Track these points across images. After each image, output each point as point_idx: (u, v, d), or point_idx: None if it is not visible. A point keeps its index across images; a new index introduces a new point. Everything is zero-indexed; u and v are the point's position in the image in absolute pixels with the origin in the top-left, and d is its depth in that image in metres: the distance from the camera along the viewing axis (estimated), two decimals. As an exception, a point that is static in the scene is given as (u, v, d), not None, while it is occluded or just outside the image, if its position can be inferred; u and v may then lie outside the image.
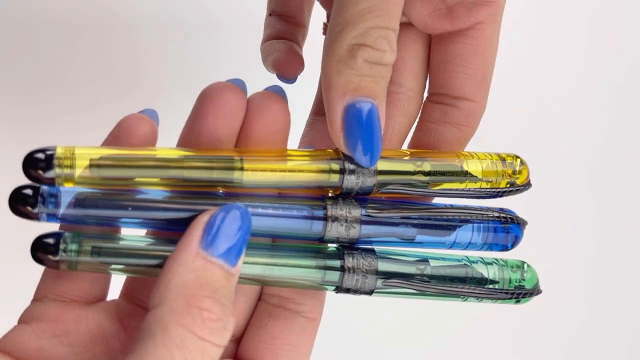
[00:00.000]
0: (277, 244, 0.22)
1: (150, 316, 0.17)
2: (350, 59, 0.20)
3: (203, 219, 0.19)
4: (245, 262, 0.21)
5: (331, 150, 0.22)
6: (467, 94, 0.24)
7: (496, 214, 0.22)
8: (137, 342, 0.17)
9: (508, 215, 0.22)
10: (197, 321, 0.17)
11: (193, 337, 0.17)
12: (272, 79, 0.27)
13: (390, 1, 0.20)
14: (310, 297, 0.23)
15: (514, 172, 0.23)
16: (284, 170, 0.21)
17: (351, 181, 0.21)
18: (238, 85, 0.22)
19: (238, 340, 0.23)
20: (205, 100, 0.21)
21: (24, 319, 0.21)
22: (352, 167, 0.21)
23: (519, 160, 0.23)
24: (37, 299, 0.22)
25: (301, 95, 0.28)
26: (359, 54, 0.20)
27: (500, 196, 0.23)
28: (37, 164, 0.19)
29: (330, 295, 0.23)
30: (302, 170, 0.21)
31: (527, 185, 0.23)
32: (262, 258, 0.21)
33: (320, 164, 0.21)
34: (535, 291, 0.22)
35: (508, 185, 0.23)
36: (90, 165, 0.20)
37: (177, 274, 0.18)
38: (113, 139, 0.22)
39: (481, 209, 0.22)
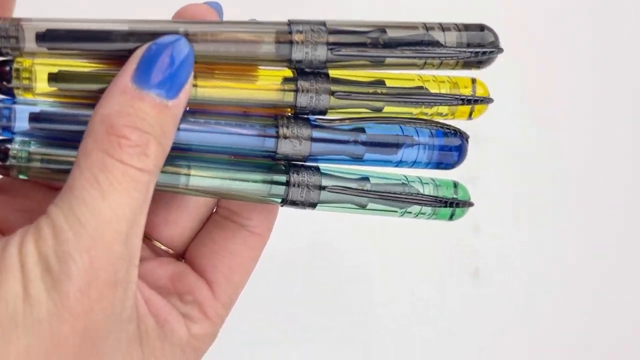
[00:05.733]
0: (233, 160, 0.23)
1: (79, 148, 0.18)
2: None
3: (138, 52, 0.19)
4: (197, 175, 0.22)
5: (288, 71, 0.22)
6: None
7: (440, 124, 0.23)
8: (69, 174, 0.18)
9: (452, 127, 0.23)
10: (115, 147, 0.18)
11: (113, 160, 0.17)
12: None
13: None
14: (258, 213, 0.24)
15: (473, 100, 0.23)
16: (239, 88, 0.22)
17: (304, 100, 0.22)
18: (214, 7, 0.23)
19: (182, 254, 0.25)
20: (175, 16, 0.22)
21: None
22: (306, 86, 0.22)
23: (476, 83, 0.23)
24: None
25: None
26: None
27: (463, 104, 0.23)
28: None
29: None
30: (257, 88, 0.22)
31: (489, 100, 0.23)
32: (214, 172, 0.22)
33: (274, 83, 0.22)
34: (468, 203, 0.23)
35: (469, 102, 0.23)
36: (49, 79, 0.21)
37: (102, 106, 0.18)
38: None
39: (427, 120, 0.23)
